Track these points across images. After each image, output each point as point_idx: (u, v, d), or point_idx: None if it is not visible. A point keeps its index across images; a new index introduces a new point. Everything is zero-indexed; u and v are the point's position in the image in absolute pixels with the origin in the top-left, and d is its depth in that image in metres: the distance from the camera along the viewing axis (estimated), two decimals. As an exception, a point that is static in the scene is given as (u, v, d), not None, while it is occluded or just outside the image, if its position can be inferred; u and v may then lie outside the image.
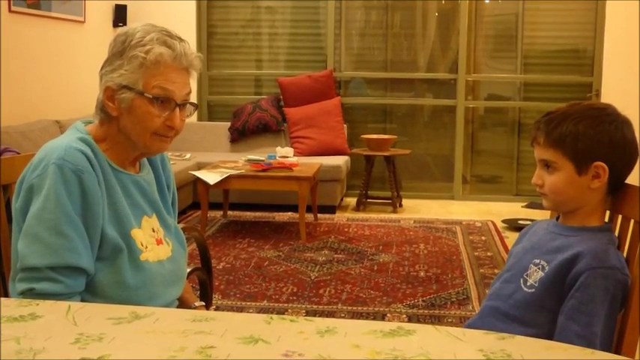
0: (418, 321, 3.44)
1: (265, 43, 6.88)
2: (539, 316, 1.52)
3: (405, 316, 3.52)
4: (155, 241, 1.66)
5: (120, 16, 6.39)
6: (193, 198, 5.73)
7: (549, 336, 1.46)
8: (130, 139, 1.61)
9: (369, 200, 6.19)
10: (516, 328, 1.50)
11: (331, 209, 5.89)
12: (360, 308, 3.60)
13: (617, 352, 1.47)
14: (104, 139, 1.62)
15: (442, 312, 3.56)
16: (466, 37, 6.54)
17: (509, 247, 1.76)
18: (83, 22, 5.89)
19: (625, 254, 1.53)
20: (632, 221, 1.52)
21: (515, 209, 6.17)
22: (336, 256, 4.58)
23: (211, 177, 4.96)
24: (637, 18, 6.05)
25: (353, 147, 6.37)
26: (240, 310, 3.57)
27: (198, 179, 5.03)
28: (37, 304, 1.32)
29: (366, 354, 1.10)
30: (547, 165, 1.56)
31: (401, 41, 6.80)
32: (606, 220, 1.60)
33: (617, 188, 1.56)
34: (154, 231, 1.67)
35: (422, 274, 4.20)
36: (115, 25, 6.37)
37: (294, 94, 6.40)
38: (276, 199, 5.79)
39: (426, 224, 5.54)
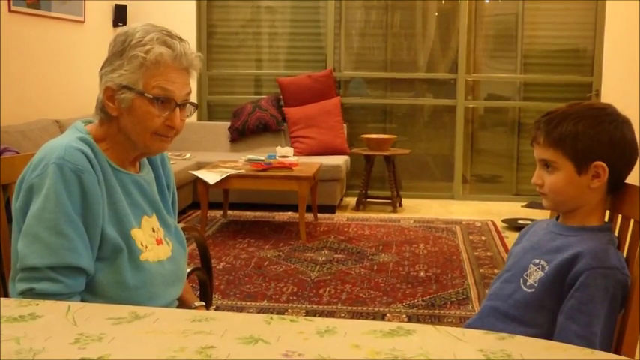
0: (418, 321, 3.44)
1: (265, 42, 6.88)
2: (538, 315, 1.52)
3: (404, 315, 3.52)
4: (155, 241, 1.66)
5: (120, 16, 6.39)
6: (193, 198, 5.73)
7: (549, 336, 1.46)
8: (130, 139, 1.61)
9: (368, 200, 6.19)
10: (516, 327, 1.50)
11: (331, 209, 5.89)
12: (359, 308, 3.61)
13: (617, 351, 1.47)
14: (104, 139, 1.62)
15: (442, 312, 3.56)
16: (466, 37, 6.54)
17: (509, 247, 1.76)
18: (83, 22, 5.89)
19: (625, 254, 1.53)
20: (632, 221, 1.52)
21: (515, 209, 6.17)
22: (336, 255, 4.58)
23: (211, 177, 4.96)
24: (637, 18, 6.05)
25: (353, 147, 6.37)
26: (240, 310, 3.57)
27: (198, 179, 5.03)
28: (37, 304, 1.32)
29: (365, 354, 1.10)
30: (547, 165, 1.56)
31: (401, 41, 6.80)
32: (606, 219, 1.60)
33: (616, 188, 1.56)
34: (153, 231, 1.67)
35: (422, 273, 4.20)
36: (115, 25, 6.37)
37: (294, 93, 6.40)
38: (276, 199, 5.79)
39: (425, 224, 5.54)
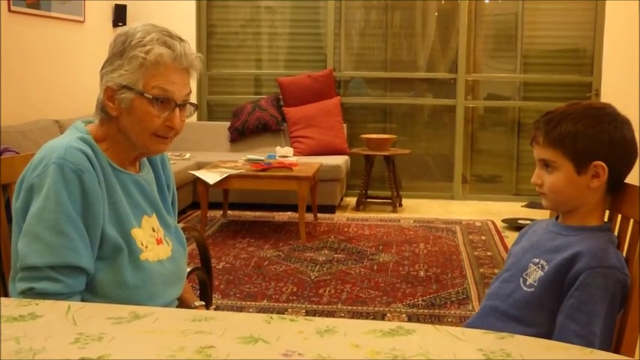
0: (418, 320, 3.44)
1: (265, 42, 6.88)
2: (538, 315, 1.52)
3: (404, 315, 3.52)
4: (155, 241, 1.66)
5: (119, 15, 6.39)
6: (193, 198, 5.73)
7: (549, 335, 1.46)
8: (129, 139, 1.61)
9: (368, 200, 6.19)
10: (516, 327, 1.50)
11: (331, 209, 5.89)
12: (359, 308, 3.61)
13: (617, 351, 1.47)
14: (104, 139, 1.63)
15: (442, 311, 3.56)
16: (466, 37, 6.54)
17: (509, 247, 1.76)
18: (83, 21, 5.89)
19: (624, 254, 1.53)
20: (632, 220, 1.52)
21: (514, 209, 6.17)
22: (335, 255, 4.58)
23: (211, 177, 4.96)
24: (637, 18, 6.05)
25: (353, 147, 6.37)
26: (240, 309, 3.57)
27: (197, 179, 5.03)
28: (37, 304, 1.32)
29: (365, 353, 1.10)
30: (546, 164, 1.56)
31: (401, 41, 6.80)
32: (606, 219, 1.60)
33: (616, 188, 1.56)
34: (154, 230, 1.67)
35: (422, 273, 4.20)
36: (115, 25, 6.37)
37: (294, 93, 6.40)
38: (275, 199, 5.79)
39: (425, 224, 5.54)
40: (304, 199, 5.00)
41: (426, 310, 3.57)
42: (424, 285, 3.97)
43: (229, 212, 5.73)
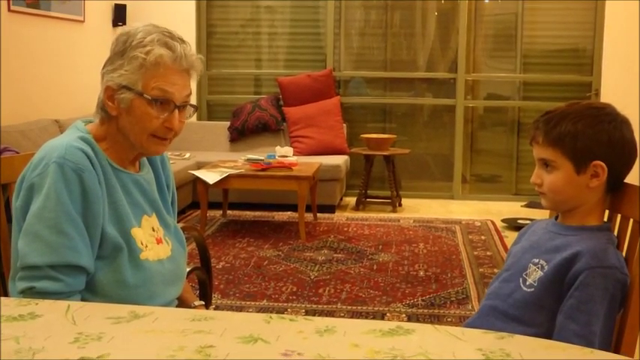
0: (417, 320, 3.44)
1: (265, 42, 6.88)
2: (538, 315, 1.52)
3: (404, 315, 3.52)
4: (155, 240, 1.66)
5: (119, 15, 6.39)
6: (193, 197, 5.73)
7: (548, 335, 1.46)
8: (128, 139, 1.61)
9: (368, 200, 6.19)
10: (515, 327, 1.50)
11: (331, 209, 5.89)
12: (359, 308, 3.61)
13: (616, 351, 1.47)
14: (104, 138, 1.63)
15: (441, 311, 3.56)
16: (465, 37, 6.54)
17: (509, 247, 1.76)
18: (83, 21, 5.89)
19: (624, 253, 1.53)
20: (632, 220, 1.52)
21: (514, 208, 6.17)
22: (335, 255, 4.58)
23: (211, 176, 4.96)
24: (636, 18, 6.05)
25: (352, 146, 6.37)
26: (240, 309, 3.57)
27: (197, 179, 5.03)
28: (37, 304, 1.32)
29: (365, 353, 1.10)
30: (546, 164, 1.56)
31: (400, 41, 6.80)
32: (605, 219, 1.60)
33: (615, 187, 1.56)
34: (153, 230, 1.67)
35: (421, 273, 4.20)
36: (115, 24, 6.37)
37: (294, 93, 6.40)
38: (275, 199, 5.79)
39: (425, 224, 5.54)
40: (304, 198, 5.00)
41: (425, 310, 3.58)
42: (424, 285, 3.97)
43: (229, 212, 5.73)
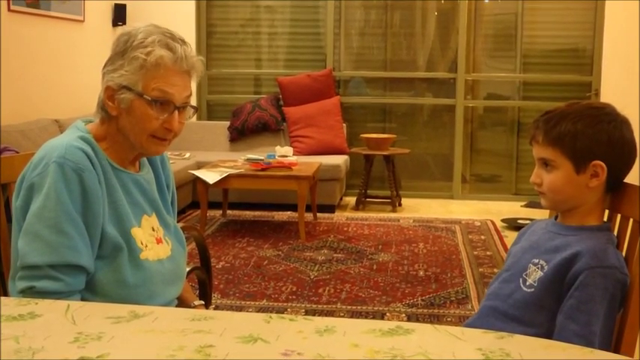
0: (417, 320, 3.44)
1: (265, 42, 6.88)
2: (538, 315, 1.52)
3: (404, 315, 3.52)
4: (155, 240, 1.66)
5: (119, 15, 6.39)
6: (193, 197, 5.73)
7: (549, 335, 1.46)
8: (128, 139, 1.61)
9: (368, 199, 6.19)
10: (515, 327, 1.50)
11: (330, 208, 5.89)
12: (359, 307, 3.61)
13: (616, 351, 1.47)
14: (104, 138, 1.63)
15: (441, 311, 3.56)
16: (465, 37, 6.54)
17: (509, 247, 1.76)
18: (82, 21, 5.89)
19: (624, 253, 1.53)
20: (631, 220, 1.52)
21: (514, 208, 6.17)
22: (335, 255, 4.58)
23: (211, 176, 4.96)
24: (636, 17, 6.05)
25: (352, 146, 6.37)
26: (240, 309, 3.57)
27: (197, 178, 5.03)
28: (36, 303, 1.32)
29: (364, 353, 1.10)
30: (546, 163, 1.56)
31: (400, 40, 6.80)
32: (605, 219, 1.60)
33: (615, 187, 1.56)
34: (153, 230, 1.67)
35: (421, 273, 4.20)
36: (115, 24, 6.37)
37: (294, 93, 6.40)
38: (275, 199, 5.79)
39: (425, 223, 5.54)
40: (304, 198, 5.00)
41: (425, 310, 3.58)
42: (423, 284, 3.97)
43: (229, 212, 5.73)
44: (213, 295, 3.57)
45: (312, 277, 4.10)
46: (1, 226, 1.72)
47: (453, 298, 3.74)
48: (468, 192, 6.74)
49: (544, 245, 1.58)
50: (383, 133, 6.54)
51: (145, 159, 1.74)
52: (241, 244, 4.82)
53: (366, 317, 3.48)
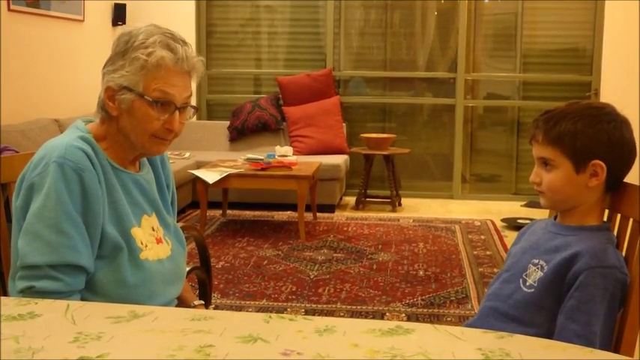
0: (417, 320, 3.44)
1: (264, 42, 6.88)
2: (538, 316, 1.52)
3: (404, 315, 3.52)
4: (155, 240, 1.66)
5: (119, 15, 6.39)
6: (192, 197, 5.73)
7: (549, 336, 1.46)
8: (129, 139, 1.61)
9: (368, 199, 6.19)
10: (516, 328, 1.50)
11: (330, 208, 5.89)
12: (359, 307, 3.61)
13: (616, 350, 1.47)
14: (104, 138, 1.63)
15: (441, 311, 3.56)
16: (465, 36, 6.54)
17: (508, 246, 1.76)
18: (82, 21, 5.88)
19: (624, 253, 1.53)
20: (631, 220, 1.52)
21: (514, 208, 6.17)
22: (335, 255, 4.58)
23: (210, 176, 4.96)
24: (636, 17, 6.06)
25: (352, 146, 6.37)
26: (239, 309, 3.57)
27: (197, 178, 5.03)
28: (36, 303, 1.32)
29: (364, 353, 1.10)
30: (545, 163, 1.56)
31: (400, 40, 6.80)
32: (605, 219, 1.60)
33: (614, 187, 1.56)
34: (153, 230, 1.67)
35: (421, 273, 4.20)
36: (114, 24, 6.37)
37: (294, 93, 6.40)
38: (275, 198, 5.79)
39: (425, 223, 5.54)
40: (304, 198, 5.00)
41: (425, 310, 3.58)
42: (423, 284, 3.97)
43: (229, 211, 5.73)
44: (213, 294, 3.57)
45: (311, 276, 4.10)
46: (1, 226, 1.72)
47: (453, 298, 3.74)
48: (467, 192, 6.74)
49: (544, 245, 1.58)
50: (383, 132, 6.54)
51: (144, 159, 1.74)
52: (241, 244, 4.82)
53: (365, 317, 3.48)
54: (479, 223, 5.55)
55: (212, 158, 5.69)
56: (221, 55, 6.87)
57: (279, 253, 4.62)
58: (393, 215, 5.85)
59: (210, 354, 1.08)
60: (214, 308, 3.40)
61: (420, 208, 6.18)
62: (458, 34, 6.56)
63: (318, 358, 1.07)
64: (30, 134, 4.55)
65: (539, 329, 1.49)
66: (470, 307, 3.60)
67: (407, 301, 3.69)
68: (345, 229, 5.32)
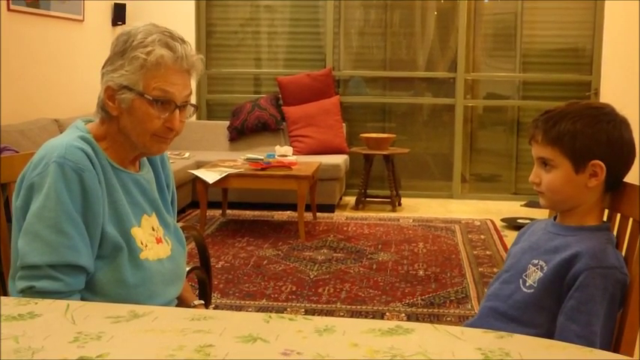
0: (417, 320, 3.44)
1: (264, 41, 6.88)
2: (538, 316, 1.52)
3: (403, 314, 3.52)
4: (155, 240, 1.66)
5: (119, 14, 6.39)
6: (192, 197, 5.73)
7: (549, 336, 1.46)
8: (129, 139, 1.61)
9: (368, 199, 6.19)
10: (515, 328, 1.50)
11: (330, 208, 5.89)
12: (358, 307, 3.61)
13: (616, 350, 1.47)
14: (104, 138, 1.63)
15: (441, 311, 3.56)
16: (465, 36, 6.54)
17: (508, 246, 1.76)
18: (82, 20, 5.88)
19: (623, 253, 1.53)
20: (631, 220, 1.52)
21: (514, 208, 6.17)
22: (335, 255, 4.58)
23: (210, 176, 4.96)
24: (636, 17, 6.06)
25: (352, 146, 6.37)
26: (239, 308, 3.57)
27: (197, 178, 5.03)
28: (36, 303, 1.32)
29: (364, 353, 1.10)
30: (545, 163, 1.56)
31: (400, 40, 6.80)
32: (605, 218, 1.60)
33: (614, 187, 1.56)
34: (153, 230, 1.67)
35: (421, 272, 4.20)
36: (114, 24, 6.37)
37: (293, 92, 6.40)
38: (275, 198, 5.79)
39: (425, 223, 5.54)
40: (303, 198, 5.00)
41: (425, 310, 3.58)
42: (423, 284, 3.97)
43: (228, 211, 5.73)
44: (212, 294, 3.57)
45: (311, 276, 4.10)
46: (1, 226, 1.72)
47: (453, 298, 3.74)
48: (467, 191, 6.74)
49: (543, 246, 1.58)
50: (382, 132, 6.54)
51: (144, 159, 1.74)
52: (241, 244, 4.82)
53: (365, 317, 3.48)
54: (479, 223, 5.55)
55: (212, 158, 5.69)
56: (221, 54, 6.87)
57: (279, 252, 4.62)
58: (392, 215, 5.85)
59: (210, 354, 1.08)
60: (214, 308, 3.40)
61: (419, 208, 6.18)
62: (458, 33, 6.56)
63: (318, 357, 1.07)
64: (30, 134, 4.55)
65: (539, 329, 1.49)
66: (470, 307, 3.60)
67: (407, 301, 3.69)
68: (344, 228, 5.32)
